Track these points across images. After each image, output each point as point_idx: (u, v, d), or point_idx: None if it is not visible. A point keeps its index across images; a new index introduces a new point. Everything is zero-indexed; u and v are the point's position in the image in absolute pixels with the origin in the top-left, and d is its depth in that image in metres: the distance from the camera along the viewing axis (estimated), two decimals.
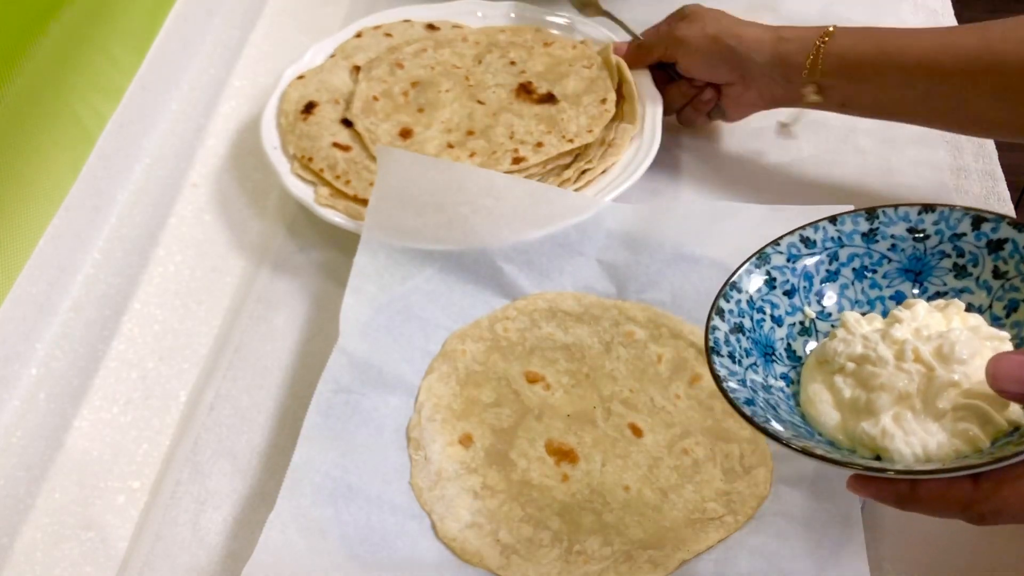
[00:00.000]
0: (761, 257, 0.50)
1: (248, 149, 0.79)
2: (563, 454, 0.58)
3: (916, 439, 0.41)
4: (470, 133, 0.72)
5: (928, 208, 0.49)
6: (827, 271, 0.50)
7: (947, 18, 0.87)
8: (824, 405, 0.45)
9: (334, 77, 0.77)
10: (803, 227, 0.50)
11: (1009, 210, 0.71)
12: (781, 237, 0.50)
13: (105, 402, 0.62)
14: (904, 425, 0.42)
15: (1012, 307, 0.47)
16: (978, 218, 0.48)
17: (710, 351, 0.46)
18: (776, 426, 0.43)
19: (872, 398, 0.43)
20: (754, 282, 0.50)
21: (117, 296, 0.68)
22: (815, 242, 0.50)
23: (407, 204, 0.64)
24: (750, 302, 0.49)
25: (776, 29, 0.68)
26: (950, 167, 0.74)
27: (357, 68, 0.78)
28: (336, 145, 0.71)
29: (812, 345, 0.49)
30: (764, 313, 0.50)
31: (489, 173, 0.65)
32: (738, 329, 0.48)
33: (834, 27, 0.66)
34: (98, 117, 0.74)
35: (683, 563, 0.52)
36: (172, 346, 0.66)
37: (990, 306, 0.48)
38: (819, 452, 0.41)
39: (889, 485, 0.41)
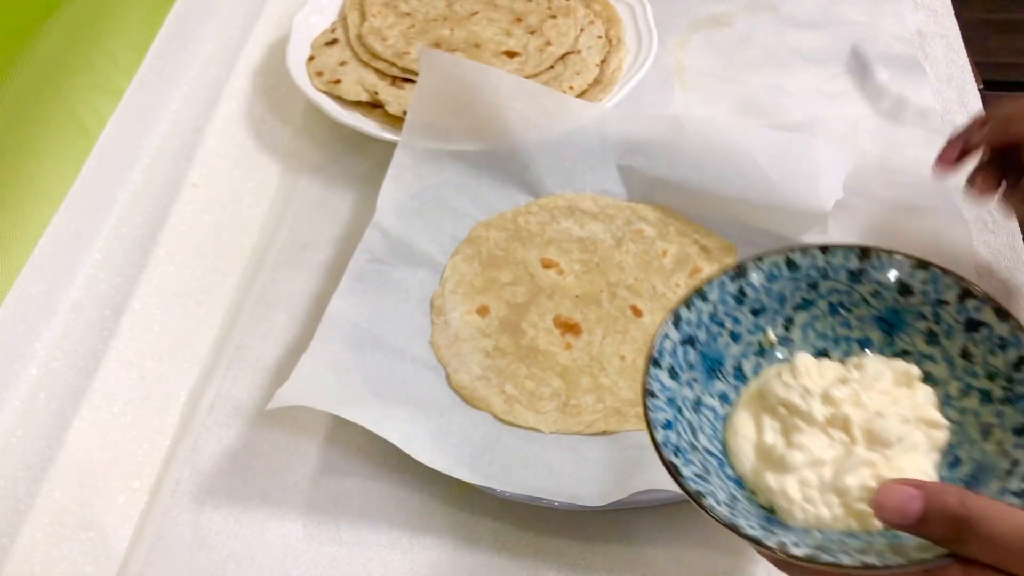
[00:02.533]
0: (739, 271, 0.48)
1: (248, 149, 0.79)
2: (568, 327, 0.64)
3: (812, 509, 0.41)
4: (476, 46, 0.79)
5: (922, 265, 0.48)
6: (802, 299, 0.49)
7: (947, 18, 0.87)
8: (744, 442, 0.45)
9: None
10: (792, 249, 0.48)
11: None
12: (766, 254, 0.49)
13: (105, 402, 0.62)
14: (805, 491, 0.42)
15: (965, 392, 0.46)
16: (965, 291, 0.47)
17: (652, 361, 0.45)
18: (679, 462, 0.42)
19: (787, 454, 0.43)
20: (724, 295, 0.48)
21: (117, 296, 0.68)
22: (799, 267, 0.49)
23: (445, 104, 0.69)
24: (712, 315, 0.48)
25: None
26: None
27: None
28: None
29: (764, 368, 0.48)
30: (723, 327, 0.48)
31: (520, 79, 0.70)
32: (689, 341, 0.47)
33: None
34: (98, 117, 0.74)
35: None
36: (172, 346, 0.66)
37: (947, 383, 0.46)
38: (707, 504, 0.41)
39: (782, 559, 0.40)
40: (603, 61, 0.80)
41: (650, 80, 0.77)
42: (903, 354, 0.48)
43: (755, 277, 0.49)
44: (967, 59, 0.83)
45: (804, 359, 0.46)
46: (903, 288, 0.48)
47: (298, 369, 0.57)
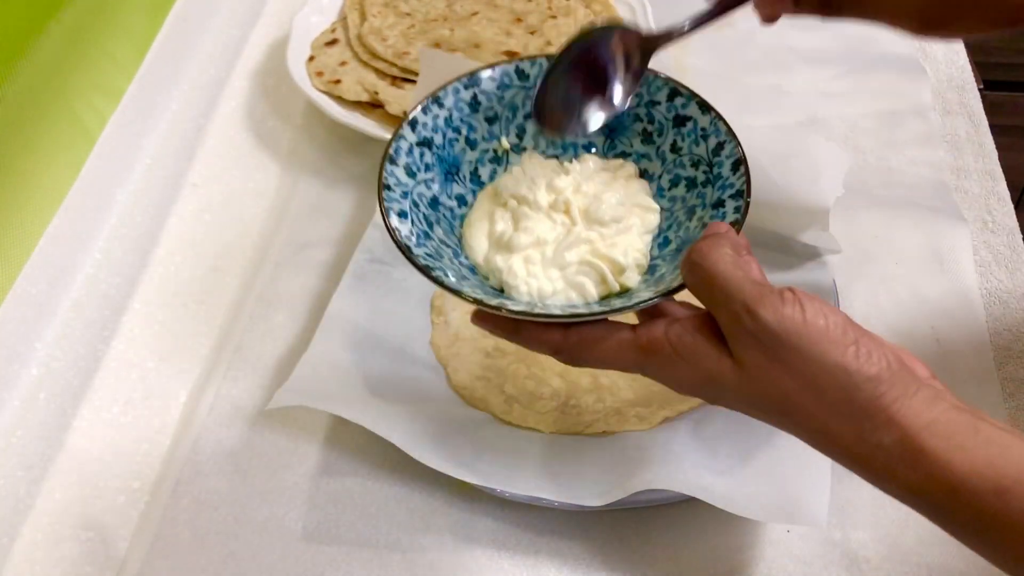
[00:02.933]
0: (472, 78, 0.51)
1: (248, 149, 0.79)
2: None
3: (535, 282, 0.46)
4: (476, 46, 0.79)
5: (647, 47, 0.50)
6: (534, 107, 0.51)
7: None
8: (479, 233, 0.49)
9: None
10: (522, 59, 0.52)
11: (1009, 211, 0.71)
12: (496, 63, 0.52)
13: (105, 402, 0.62)
14: (530, 268, 0.47)
15: (675, 182, 0.50)
16: (674, 91, 0.51)
17: (387, 159, 0.48)
18: (413, 243, 0.46)
19: (515, 236, 0.47)
20: (459, 101, 0.51)
21: (117, 296, 0.68)
22: (529, 76, 0.51)
23: None
24: (448, 120, 0.51)
25: None
26: (950, 167, 0.74)
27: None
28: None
29: (499, 175, 0.52)
30: (459, 133, 0.52)
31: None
32: (426, 143, 0.50)
33: None
34: (98, 117, 0.74)
35: (666, 420, 0.57)
36: (172, 346, 0.66)
37: (660, 176, 0.51)
38: (436, 275, 0.44)
39: (502, 321, 0.45)
40: None
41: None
42: (623, 155, 0.52)
43: (488, 85, 0.52)
44: (967, 59, 0.83)
45: (531, 155, 0.51)
46: None
47: (298, 369, 0.57)
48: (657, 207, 0.49)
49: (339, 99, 0.77)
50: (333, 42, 0.81)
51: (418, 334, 0.63)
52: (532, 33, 0.80)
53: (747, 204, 0.46)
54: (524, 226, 0.48)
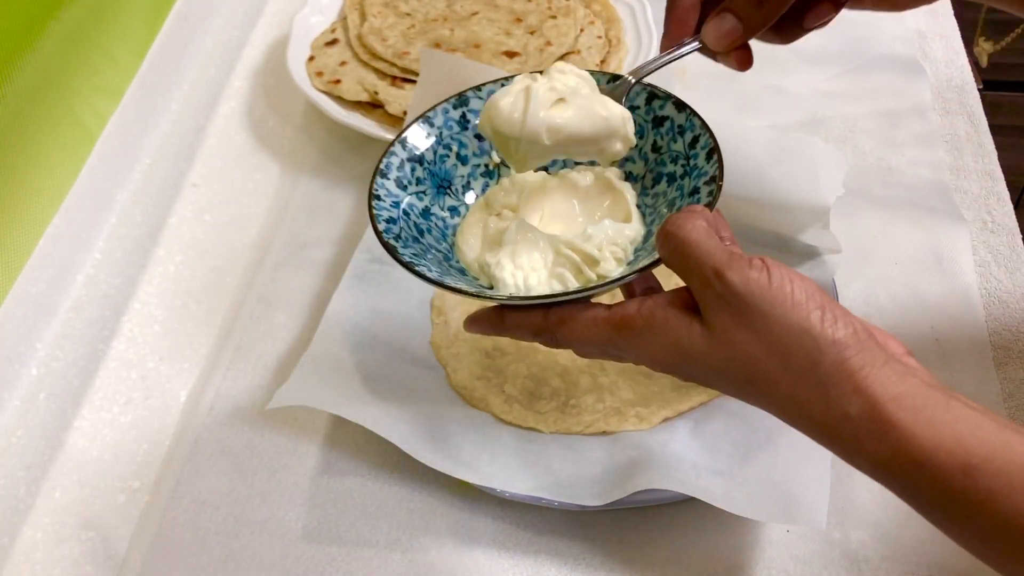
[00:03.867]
0: (461, 99, 0.54)
1: (248, 149, 0.79)
2: None
3: (521, 274, 0.48)
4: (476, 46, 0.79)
5: (616, 78, 0.53)
6: None
7: (947, 18, 0.87)
8: (472, 238, 0.52)
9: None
10: (507, 78, 0.54)
11: (1008, 211, 0.71)
12: (483, 84, 0.54)
13: (105, 402, 0.62)
14: (516, 260, 0.48)
15: (657, 179, 0.52)
16: (652, 95, 0.53)
17: (378, 173, 0.51)
18: (400, 245, 0.48)
19: (505, 233, 0.50)
20: (448, 120, 0.54)
21: (117, 296, 0.68)
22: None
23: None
24: (439, 138, 0.54)
25: None
26: (950, 167, 0.74)
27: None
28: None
29: (491, 187, 0.54)
30: (450, 150, 0.54)
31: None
32: (417, 160, 0.53)
33: None
34: (98, 117, 0.74)
35: (666, 420, 0.57)
36: (172, 346, 0.66)
37: (643, 176, 0.53)
38: (419, 270, 0.46)
39: (488, 314, 0.48)
40: (603, 61, 0.80)
41: (650, 79, 0.77)
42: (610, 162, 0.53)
43: (476, 104, 0.54)
44: (967, 59, 0.83)
45: (521, 176, 0.53)
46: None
47: (298, 369, 0.57)
48: (633, 207, 0.52)
49: (339, 99, 0.77)
50: (333, 42, 0.81)
51: (418, 334, 0.63)
52: (532, 33, 0.80)
53: (719, 187, 0.47)
54: (514, 228, 0.50)
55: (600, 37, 0.81)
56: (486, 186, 0.55)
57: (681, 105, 0.52)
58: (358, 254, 0.65)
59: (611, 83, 0.53)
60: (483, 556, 0.55)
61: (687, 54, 0.52)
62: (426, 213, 0.52)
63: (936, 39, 0.85)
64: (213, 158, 0.78)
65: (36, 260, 0.66)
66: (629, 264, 0.49)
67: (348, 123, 0.75)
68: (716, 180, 0.48)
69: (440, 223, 0.53)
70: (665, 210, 0.51)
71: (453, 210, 0.54)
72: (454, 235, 0.53)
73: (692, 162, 0.50)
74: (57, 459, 0.59)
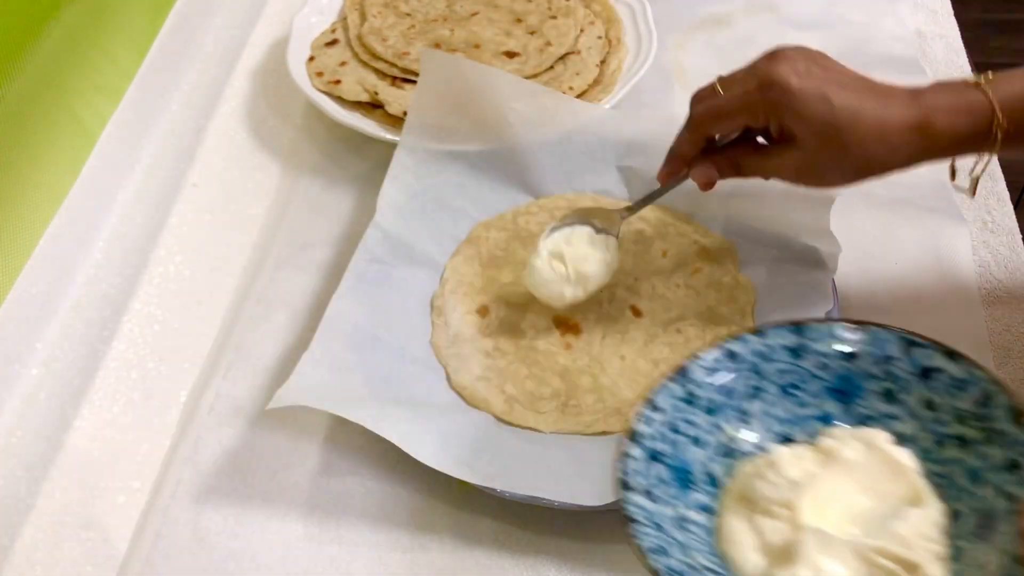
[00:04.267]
0: (682, 373, 0.47)
1: (248, 149, 0.79)
2: (568, 327, 0.64)
3: None
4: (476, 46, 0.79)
5: (859, 326, 0.47)
6: (752, 387, 0.48)
7: (947, 18, 0.87)
8: (745, 548, 0.44)
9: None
10: (727, 339, 0.48)
11: (1008, 211, 0.71)
12: (703, 351, 0.48)
13: (105, 402, 0.62)
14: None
15: (941, 442, 0.45)
16: (910, 342, 0.46)
17: (623, 486, 0.43)
18: None
19: (788, 537, 0.42)
20: (674, 400, 0.47)
21: (117, 296, 0.68)
22: (738, 355, 0.48)
23: (445, 104, 0.69)
24: (670, 424, 0.47)
25: (926, 135, 0.51)
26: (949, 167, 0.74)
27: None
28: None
29: (734, 468, 0.47)
30: (684, 435, 0.47)
31: (521, 80, 0.71)
32: (655, 457, 0.45)
33: (1001, 116, 0.50)
34: (98, 117, 0.74)
35: None
36: (172, 346, 0.66)
37: (920, 437, 0.46)
38: None
39: None
40: (603, 62, 0.80)
41: (650, 80, 0.77)
42: (866, 419, 0.47)
43: (698, 375, 0.48)
44: (967, 60, 0.83)
45: (782, 453, 0.46)
46: (846, 354, 0.47)
47: (298, 369, 0.57)
48: (920, 482, 0.44)
49: (339, 99, 0.77)
50: (333, 42, 0.81)
51: (418, 334, 0.63)
52: (532, 33, 0.80)
53: None
54: (811, 542, 0.42)
55: (600, 37, 0.81)
56: (728, 468, 0.47)
57: (953, 355, 0.45)
58: (358, 254, 0.65)
59: (600, 232, 0.61)
60: (483, 556, 0.55)
61: (675, 187, 0.59)
62: (682, 522, 0.44)
63: (936, 40, 0.85)
64: (213, 158, 0.78)
65: (36, 260, 0.66)
66: (954, 560, 0.42)
67: (348, 123, 0.75)
68: None
69: (698, 530, 0.44)
70: (966, 482, 0.43)
71: (704, 508, 0.45)
72: (716, 542, 0.44)
73: (992, 424, 0.43)
74: (57, 459, 0.59)
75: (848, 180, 0.53)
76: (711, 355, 0.48)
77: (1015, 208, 0.71)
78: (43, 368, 0.64)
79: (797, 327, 0.48)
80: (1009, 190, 0.72)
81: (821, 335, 0.48)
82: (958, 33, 0.86)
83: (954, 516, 0.43)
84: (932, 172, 0.73)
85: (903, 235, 0.69)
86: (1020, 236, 0.69)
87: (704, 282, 0.65)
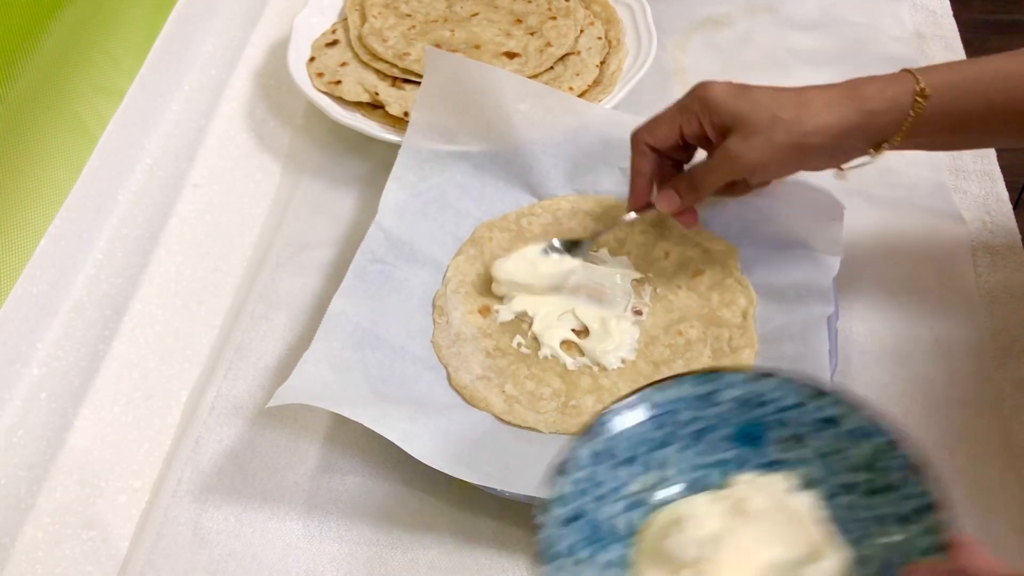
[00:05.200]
0: (598, 424, 0.47)
1: (249, 149, 0.79)
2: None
3: None
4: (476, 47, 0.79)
5: (766, 375, 0.48)
6: (665, 434, 0.48)
7: (946, 19, 0.87)
8: None
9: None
10: (642, 388, 0.48)
11: (1007, 211, 0.71)
12: (618, 401, 0.48)
13: (106, 402, 0.63)
14: None
15: (846, 486, 0.46)
16: (815, 391, 0.47)
17: (541, 558, 0.43)
18: None
19: None
20: (585, 456, 0.47)
21: (118, 296, 0.68)
22: (651, 404, 0.48)
23: (449, 104, 0.69)
24: (590, 478, 0.46)
25: (854, 97, 0.56)
26: (949, 167, 0.74)
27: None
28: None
29: (648, 520, 0.47)
30: (599, 488, 0.47)
31: (524, 80, 0.70)
32: (573, 518, 0.45)
33: (925, 85, 0.54)
34: (99, 117, 0.75)
35: None
36: (173, 346, 0.66)
37: (826, 480, 0.46)
38: None
39: None
40: (603, 62, 0.80)
41: (650, 81, 0.78)
42: (776, 463, 0.48)
43: (616, 424, 0.47)
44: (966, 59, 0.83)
45: (688, 507, 0.46)
46: (754, 401, 0.48)
47: (299, 367, 0.57)
48: (836, 554, 0.44)
49: (340, 100, 0.77)
50: (334, 43, 0.82)
51: (419, 333, 0.63)
52: (532, 34, 0.80)
53: (944, 519, 0.41)
54: None
55: (600, 38, 0.81)
56: (644, 516, 0.47)
57: (856, 405, 0.46)
58: (360, 254, 0.65)
59: (572, 250, 0.64)
60: (483, 555, 0.55)
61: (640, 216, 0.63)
62: None
63: (935, 40, 0.85)
64: (214, 158, 0.78)
65: (37, 260, 0.66)
66: None
67: (349, 124, 0.75)
68: (935, 508, 0.42)
69: None
70: (874, 528, 0.44)
71: (617, 564, 0.45)
72: None
73: (887, 476, 0.44)
74: (58, 458, 0.59)
75: (790, 156, 0.56)
76: (622, 405, 0.48)
77: (1014, 208, 0.71)
78: (44, 367, 0.64)
79: (708, 375, 0.48)
80: (1008, 190, 0.72)
81: (731, 383, 0.48)
82: (958, 34, 0.86)
83: (860, 561, 0.44)
84: (932, 172, 0.74)
85: (903, 235, 0.69)
86: (1020, 236, 0.69)
87: (706, 284, 0.65)
